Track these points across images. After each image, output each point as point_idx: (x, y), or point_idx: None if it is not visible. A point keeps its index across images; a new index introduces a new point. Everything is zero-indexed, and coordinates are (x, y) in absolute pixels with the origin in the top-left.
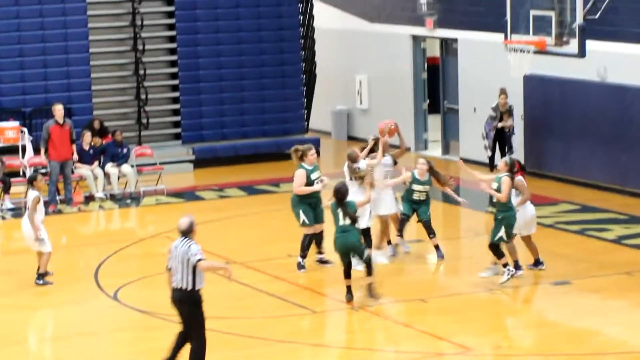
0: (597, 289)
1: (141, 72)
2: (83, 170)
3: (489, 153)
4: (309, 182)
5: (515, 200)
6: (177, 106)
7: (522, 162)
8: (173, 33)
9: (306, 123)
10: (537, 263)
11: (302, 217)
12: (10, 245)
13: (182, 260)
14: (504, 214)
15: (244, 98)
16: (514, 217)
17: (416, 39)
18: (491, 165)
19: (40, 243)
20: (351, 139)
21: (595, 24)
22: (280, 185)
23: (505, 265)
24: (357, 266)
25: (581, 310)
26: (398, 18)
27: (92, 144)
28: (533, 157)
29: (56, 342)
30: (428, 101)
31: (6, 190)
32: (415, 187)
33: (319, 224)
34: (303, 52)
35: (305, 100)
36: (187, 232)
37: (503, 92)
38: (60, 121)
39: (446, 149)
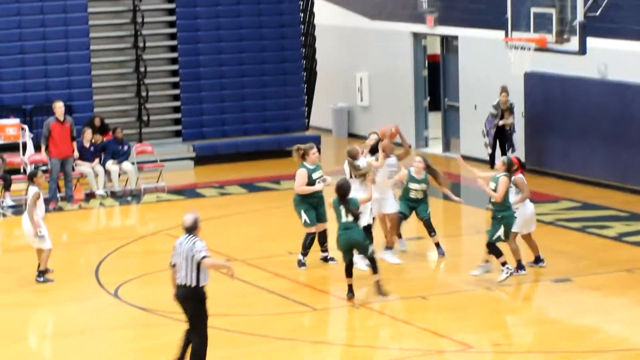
0: (597, 287)
1: (142, 69)
2: (84, 167)
3: (489, 150)
4: (310, 182)
5: (515, 198)
6: (177, 103)
7: (523, 159)
8: (174, 30)
9: (307, 120)
10: (538, 260)
11: (304, 217)
12: (11, 243)
13: (186, 257)
14: (504, 214)
15: (244, 95)
16: (514, 217)
17: (417, 37)
18: (492, 163)
19: (40, 239)
20: (352, 136)
21: (595, 21)
22: (280, 183)
23: (504, 264)
24: (362, 266)
25: (582, 308)
26: (399, 15)
27: (93, 141)
28: (534, 155)
29: (57, 339)
30: (429, 98)
31: (7, 187)
32: (412, 185)
33: (321, 223)
34: (304, 50)
35: (306, 97)
36: (192, 229)
37: (504, 90)
38: (61, 118)
39: (447, 147)
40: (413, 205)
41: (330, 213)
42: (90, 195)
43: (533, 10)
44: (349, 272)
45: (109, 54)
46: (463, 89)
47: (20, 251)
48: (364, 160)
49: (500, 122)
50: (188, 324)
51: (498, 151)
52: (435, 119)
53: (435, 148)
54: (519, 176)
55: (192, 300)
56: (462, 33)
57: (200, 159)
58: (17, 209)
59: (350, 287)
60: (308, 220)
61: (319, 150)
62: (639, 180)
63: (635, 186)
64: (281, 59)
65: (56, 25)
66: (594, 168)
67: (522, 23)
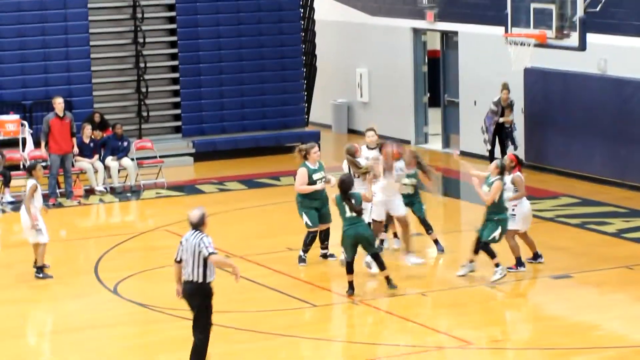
0: (597, 283)
1: (142, 65)
2: (83, 163)
3: (489, 147)
4: (311, 182)
5: (510, 196)
6: (177, 99)
7: (523, 155)
8: (174, 26)
9: (306, 116)
10: (536, 256)
11: (305, 219)
12: (11, 239)
13: (193, 253)
14: (500, 216)
15: (244, 91)
16: (508, 219)
17: (417, 32)
18: (491, 159)
19: (37, 232)
20: (351, 132)
21: (595, 17)
22: (280, 179)
23: (497, 265)
24: (375, 269)
25: (581, 304)
26: (399, 11)
27: (93, 137)
28: (533, 151)
29: (56, 335)
30: (428, 94)
31: (6, 183)
32: (402, 180)
33: (323, 224)
34: (303, 45)
35: (306, 93)
36: (198, 225)
37: (505, 87)
38: (61, 114)
39: (446, 143)
40: (405, 201)
41: (334, 210)
42: (89, 192)
43: (533, 5)
44: (350, 268)
45: (108, 49)
46: (463, 85)
47: (19, 247)
48: (362, 160)
49: (501, 120)
50: (193, 319)
51: (497, 148)
52: (435, 115)
53: (435, 144)
54: (517, 174)
55: (199, 296)
56: (462, 29)
57: (200, 155)
58: (17, 205)
59: (350, 283)
60: (310, 222)
61: (318, 146)
62: (639, 176)
63: (634, 182)
64: (281, 54)
65: (56, 21)
66: (593, 164)
67: (522, 19)
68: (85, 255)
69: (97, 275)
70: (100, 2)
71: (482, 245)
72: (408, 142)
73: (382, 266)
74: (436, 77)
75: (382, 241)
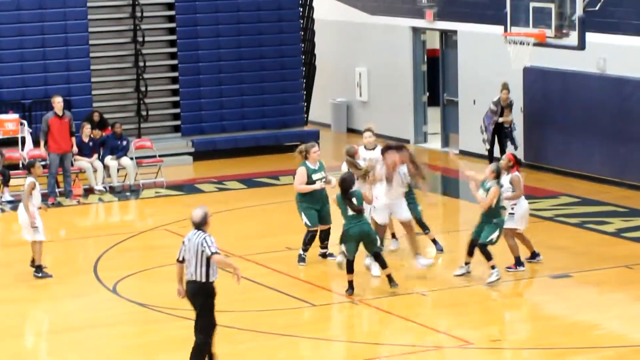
0: (596, 282)
1: (141, 64)
2: (82, 162)
3: (488, 146)
4: (310, 181)
5: (508, 195)
6: (176, 98)
7: (522, 154)
8: (173, 25)
9: (306, 115)
10: (534, 255)
11: (304, 219)
12: (10, 238)
13: (196, 252)
14: (498, 219)
15: (243, 90)
16: (504, 222)
17: (416, 31)
18: (490, 159)
19: (34, 231)
20: (351, 131)
21: (595, 16)
22: (279, 178)
23: (493, 267)
24: (376, 272)
25: (580, 303)
26: (398, 10)
27: (92, 136)
28: (532, 150)
29: (55, 334)
30: (427, 93)
31: (5, 182)
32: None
33: (323, 225)
34: (303, 44)
35: (305, 92)
36: (201, 224)
37: (505, 87)
38: (60, 113)
39: (445, 142)
40: None
41: (334, 211)
42: (89, 191)
43: (532, 4)
44: (350, 268)
45: (108, 48)
46: (462, 84)
47: (19, 246)
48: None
49: (500, 120)
50: (195, 319)
51: (496, 147)
52: (434, 114)
53: (434, 143)
54: (515, 174)
55: (202, 296)
56: (461, 28)
57: (199, 154)
58: (16, 204)
59: (350, 283)
60: (309, 222)
61: (317, 145)
62: (638, 175)
63: (634, 181)
64: (280, 53)
65: (55, 20)
66: (593, 163)
67: (522, 18)
68: (84, 254)
69: (97, 274)
70: (100, 1)
71: (479, 247)
72: (407, 141)
73: (383, 265)
74: (435, 76)
75: (381, 241)
